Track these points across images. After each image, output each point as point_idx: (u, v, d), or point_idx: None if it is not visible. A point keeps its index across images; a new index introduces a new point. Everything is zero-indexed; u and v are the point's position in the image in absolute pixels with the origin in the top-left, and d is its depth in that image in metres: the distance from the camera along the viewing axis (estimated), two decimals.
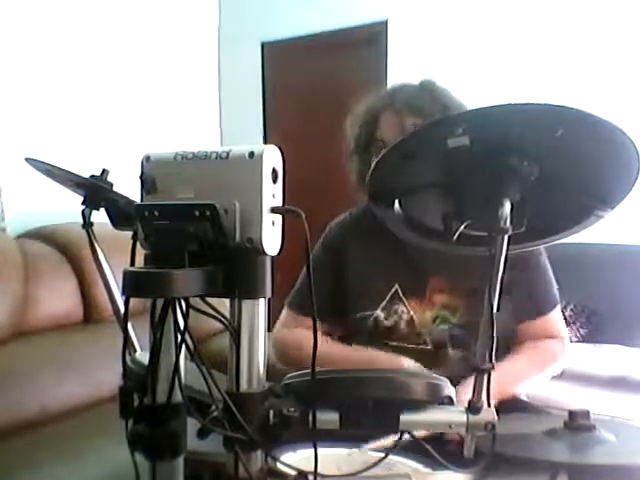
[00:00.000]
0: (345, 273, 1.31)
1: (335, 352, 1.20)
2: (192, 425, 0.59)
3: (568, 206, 0.79)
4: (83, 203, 1.00)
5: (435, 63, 3.31)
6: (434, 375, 0.66)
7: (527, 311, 1.24)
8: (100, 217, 1.01)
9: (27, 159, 1.01)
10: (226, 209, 0.56)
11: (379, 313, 1.25)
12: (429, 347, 1.23)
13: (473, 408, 0.64)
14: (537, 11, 3.13)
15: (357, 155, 1.27)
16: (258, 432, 0.57)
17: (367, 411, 0.61)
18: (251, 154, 0.56)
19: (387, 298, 1.25)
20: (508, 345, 1.34)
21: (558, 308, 1.26)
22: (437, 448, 0.74)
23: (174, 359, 0.56)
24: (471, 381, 0.68)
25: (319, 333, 0.59)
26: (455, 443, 0.73)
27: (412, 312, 1.24)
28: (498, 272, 0.69)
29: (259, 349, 0.59)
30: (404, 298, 1.24)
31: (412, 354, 1.19)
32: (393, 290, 1.25)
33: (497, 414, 0.65)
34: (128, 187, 0.89)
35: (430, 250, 1.04)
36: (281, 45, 3.87)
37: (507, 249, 0.69)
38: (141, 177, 0.60)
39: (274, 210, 0.57)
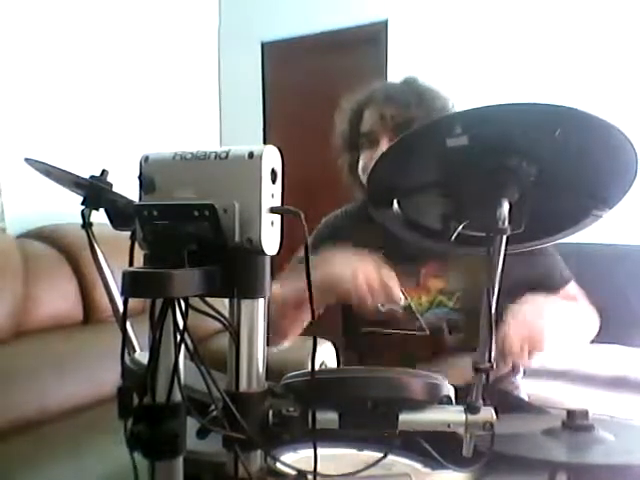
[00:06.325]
0: None
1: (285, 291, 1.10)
2: (192, 425, 0.59)
3: (566, 206, 0.79)
4: (83, 203, 1.00)
5: (435, 63, 3.32)
6: (433, 375, 0.66)
7: (546, 287, 1.21)
8: (100, 217, 1.02)
9: (26, 159, 1.01)
10: (225, 209, 0.56)
11: None
12: (427, 333, 1.23)
13: (472, 407, 0.64)
14: (537, 11, 3.14)
15: (346, 151, 1.32)
16: (258, 432, 0.57)
17: (366, 411, 0.61)
18: (250, 154, 0.56)
19: None
20: None
21: (574, 283, 1.28)
22: (436, 447, 0.74)
23: (173, 359, 0.56)
24: (467, 361, 0.68)
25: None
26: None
27: (408, 298, 1.24)
28: (497, 272, 0.69)
29: (258, 349, 0.59)
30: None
31: (410, 341, 1.21)
32: None
33: (496, 413, 0.65)
34: (128, 187, 0.89)
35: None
36: (281, 45, 3.87)
37: (505, 249, 0.69)
38: (140, 177, 0.60)
39: (273, 210, 0.57)
